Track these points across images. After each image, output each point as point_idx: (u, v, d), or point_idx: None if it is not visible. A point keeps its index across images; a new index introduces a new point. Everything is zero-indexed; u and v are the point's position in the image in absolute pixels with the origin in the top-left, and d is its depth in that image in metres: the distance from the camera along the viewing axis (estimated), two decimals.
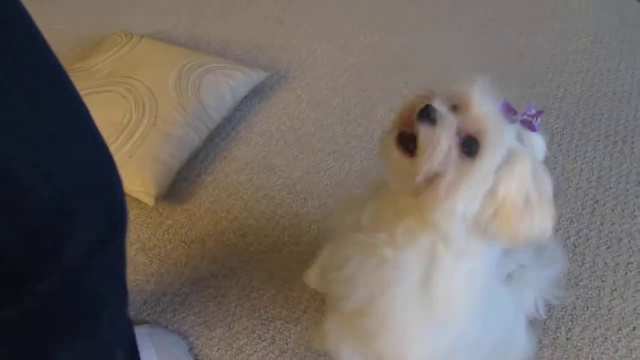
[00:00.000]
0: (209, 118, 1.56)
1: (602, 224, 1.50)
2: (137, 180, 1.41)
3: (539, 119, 0.71)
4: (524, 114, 0.71)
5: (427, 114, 0.68)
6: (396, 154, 0.71)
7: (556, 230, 1.47)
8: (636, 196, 1.57)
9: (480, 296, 0.80)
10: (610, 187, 1.59)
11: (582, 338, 1.28)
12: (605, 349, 1.27)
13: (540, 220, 0.71)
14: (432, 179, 0.68)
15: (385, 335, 0.83)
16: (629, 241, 1.46)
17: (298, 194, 1.50)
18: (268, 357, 1.20)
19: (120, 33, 1.76)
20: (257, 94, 1.73)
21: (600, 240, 1.46)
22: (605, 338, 1.28)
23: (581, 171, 1.62)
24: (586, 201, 1.55)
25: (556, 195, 1.55)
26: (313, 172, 1.54)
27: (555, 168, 1.62)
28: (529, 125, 0.71)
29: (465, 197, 0.69)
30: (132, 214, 1.43)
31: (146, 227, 1.41)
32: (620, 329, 1.30)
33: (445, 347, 0.85)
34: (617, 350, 1.26)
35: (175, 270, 1.33)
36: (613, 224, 1.50)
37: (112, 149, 1.42)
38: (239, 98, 1.65)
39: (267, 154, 1.59)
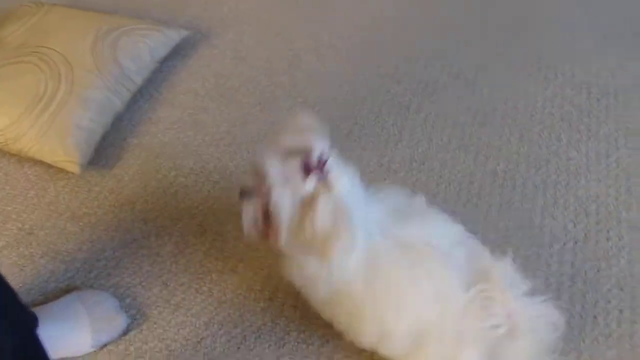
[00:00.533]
0: (130, 81, 1.52)
1: (530, 148, 1.53)
2: (60, 150, 1.37)
3: (326, 167, 0.89)
4: (315, 167, 0.89)
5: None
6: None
7: (486, 158, 1.49)
8: (561, 119, 1.60)
9: None
10: (536, 112, 1.62)
11: (515, 257, 1.30)
12: (538, 265, 1.30)
13: (346, 241, 0.89)
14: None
15: None
16: (556, 162, 1.50)
17: (226, 147, 1.48)
18: (207, 310, 1.20)
19: (29, 3, 1.69)
20: (178, 53, 1.70)
21: (529, 164, 1.49)
22: (538, 255, 1.31)
23: (507, 99, 1.64)
24: (514, 128, 1.57)
25: (483, 124, 1.58)
26: (240, 125, 1.53)
27: (481, 99, 1.64)
28: (321, 175, 0.89)
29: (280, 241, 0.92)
30: (59, 185, 1.40)
31: (75, 196, 1.38)
32: (551, 246, 1.33)
33: None
34: (549, 266, 1.30)
35: (106, 235, 1.31)
36: (540, 147, 1.53)
37: (30, 120, 1.38)
38: (159, 58, 1.61)
39: (192, 111, 1.56)
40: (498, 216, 1.38)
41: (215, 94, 1.61)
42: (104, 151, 1.46)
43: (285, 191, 0.89)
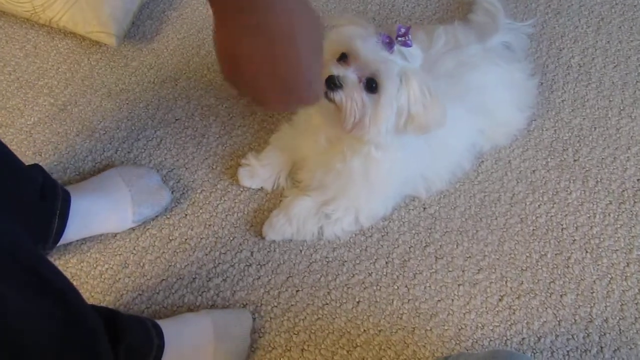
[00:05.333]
0: None
1: (608, 42, 1.38)
2: (94, 20, 1.25)
3: (409, 35, 0.88)
4: (397, 38, 0.87)
5: (333, 84, 0.87)
6: (330, 106, 0.89)
7: (559, 50, 1.35)
8: None
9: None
10: (617, 3, 1.45)
11: (590, 159, 1.20)
12: (614, 168, 1.19)
13: (437, 114, 0.90)
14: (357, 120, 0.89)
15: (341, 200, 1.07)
16: (637, 59, 1.35)
17: None
18: (256, 197, 1.11)
19: None
20: None
21: (607, 59, 1.35)
22: (614, 158, 1.20)
23: None
24: (591, 19, 1.42)
25: (558, 13, 1.42)
26: None
27: None
28: (405, 44, 0.88)
29: (383, 120, 0.89)
30: (93, 59, 1.28)
31: (110, 72, 1.27)
32: (629, 148, 1.22)
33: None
34: (625, 170, 1.19)
35: (146, 114, 1.21)
36: (620, 42, 1.38)
37: None
38: None
39: None
40: (571, 113, 1.26)
41: None
42: (141, 24, 1.33)
43: (386, 64, 0.87)
